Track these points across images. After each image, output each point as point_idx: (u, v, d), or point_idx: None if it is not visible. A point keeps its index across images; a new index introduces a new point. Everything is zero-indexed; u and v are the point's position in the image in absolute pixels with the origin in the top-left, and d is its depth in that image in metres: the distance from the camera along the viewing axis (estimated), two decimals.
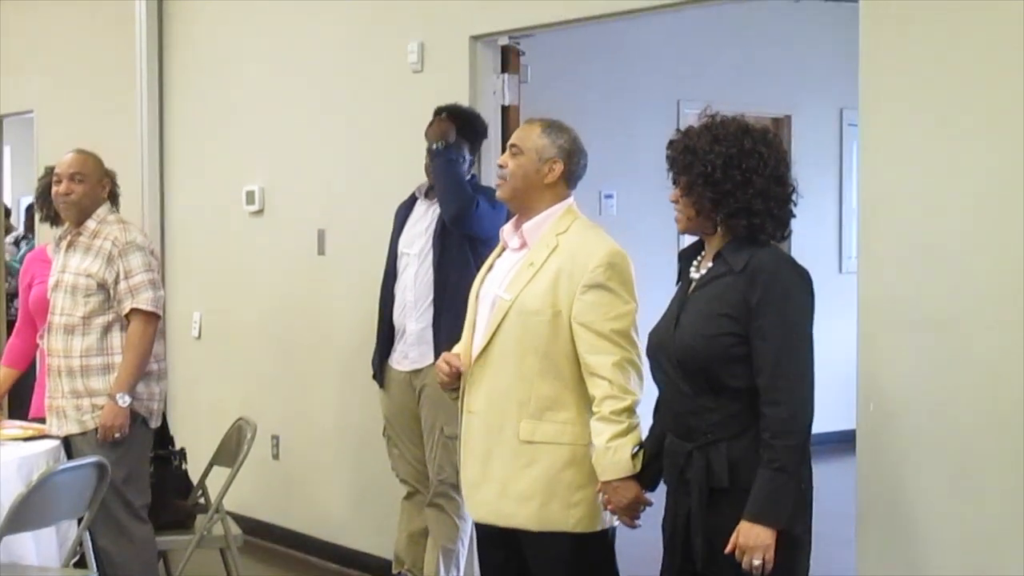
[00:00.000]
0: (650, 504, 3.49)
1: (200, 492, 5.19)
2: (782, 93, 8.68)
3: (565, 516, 3.55)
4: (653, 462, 3.41)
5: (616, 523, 3.61)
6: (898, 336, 3.87)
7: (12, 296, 8.06)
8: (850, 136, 8.75)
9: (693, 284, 3.27)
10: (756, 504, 3.04)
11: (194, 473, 5.25)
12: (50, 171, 5.10)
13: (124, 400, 4.66)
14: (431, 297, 4.95)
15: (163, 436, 5.14)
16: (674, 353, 3.20)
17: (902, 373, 3.85)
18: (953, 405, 3.72)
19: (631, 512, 3.48)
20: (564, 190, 3.71)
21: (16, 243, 9.05)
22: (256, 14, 6.74)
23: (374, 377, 5.22)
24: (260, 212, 6.66)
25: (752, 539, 3.03)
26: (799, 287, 3.16)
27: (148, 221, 7.13)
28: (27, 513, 4.09)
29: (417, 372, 5.03)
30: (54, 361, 4.80)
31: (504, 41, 5.40)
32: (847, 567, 4.07)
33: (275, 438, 6.56)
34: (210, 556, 5.16)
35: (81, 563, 4.54)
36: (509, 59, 5.45)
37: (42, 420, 4.93)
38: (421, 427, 5.07)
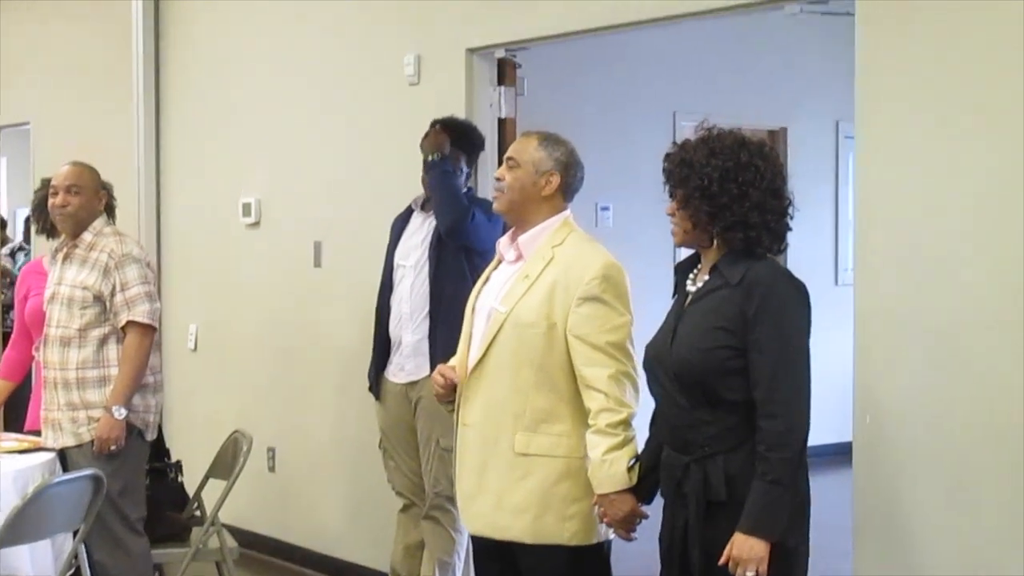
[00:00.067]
0: (646, 517, 3.48)
1: (196, 505, 5.18)
2: (778, 105, 8.68)
3: (560, 529, 3.55)
4: (649, 475, 3.41)
5: (612, 536, 3.60)
6: (894, 348, 3.87)
7: (8, 308, 8.05)
8: (846, 148, 8.73)
9: (689, 297, 3.27)
10: (750, 516, 3.04)
11: (190, 486, 5.24)
12: (46, 183, 5.10)
13: (120, 412, 4.65)
14: (427, 309, 4.95)
15: (159, 448, 5.14)
16: (671, 366, 3.20)
17: (898, 385, 3.85)
18: (949, 417, 3.72)
19: (627, 525, 3.47)
20: (561, 202, 3.72)
21: (12, 255, 9.03)
22: (251, 27, 6.75)
23: (370, 389, 5.21)
24: (256, 224, 6.66)
25: (746, 551, 3.02)
26: (795, 300, 3.16)
27: (144, 233, 7.13)
28: (23, 526, 4.08)
29: (413, 384, 5.02)
30: (50, 373, 4.80)
31: (500, 54, 5.41)
32: None
33: (271, 450, 6.55)
34: (206, 569, 5.14)
35: None
36: (505, 72, 5.46)
37: (38, 432, 4.92)
38: (417, 439, 5.06)
